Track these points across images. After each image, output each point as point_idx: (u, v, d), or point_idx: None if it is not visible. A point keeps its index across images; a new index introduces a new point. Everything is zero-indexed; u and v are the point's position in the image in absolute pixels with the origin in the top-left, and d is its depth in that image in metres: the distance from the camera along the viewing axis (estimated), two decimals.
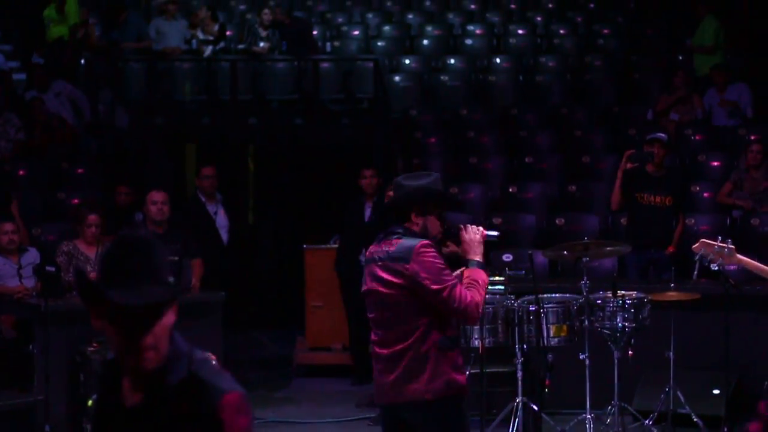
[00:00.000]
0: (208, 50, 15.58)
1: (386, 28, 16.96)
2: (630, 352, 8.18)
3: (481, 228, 5.66)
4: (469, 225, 5.68)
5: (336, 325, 11.38)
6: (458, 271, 5.61)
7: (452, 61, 16.03)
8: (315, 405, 10.37)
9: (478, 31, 16.87)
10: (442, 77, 15.66)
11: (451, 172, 13.02)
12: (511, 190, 12.77)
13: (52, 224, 11.67)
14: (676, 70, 14.03)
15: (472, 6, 17.77)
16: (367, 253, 5.61)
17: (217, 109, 15.05)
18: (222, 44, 15.74)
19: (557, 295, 8.27)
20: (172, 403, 2.95)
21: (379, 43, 16.50)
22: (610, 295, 8.19)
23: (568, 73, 15.79)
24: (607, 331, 8.17)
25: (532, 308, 7.80)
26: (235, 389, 2.98)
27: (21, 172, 12.69)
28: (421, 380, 5.36)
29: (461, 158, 13.62)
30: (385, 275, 5.41)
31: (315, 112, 15.11)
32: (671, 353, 8.34)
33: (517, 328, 7.83)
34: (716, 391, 8.83)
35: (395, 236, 5.46)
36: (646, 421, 8.48)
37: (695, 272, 8.13)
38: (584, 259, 8.19)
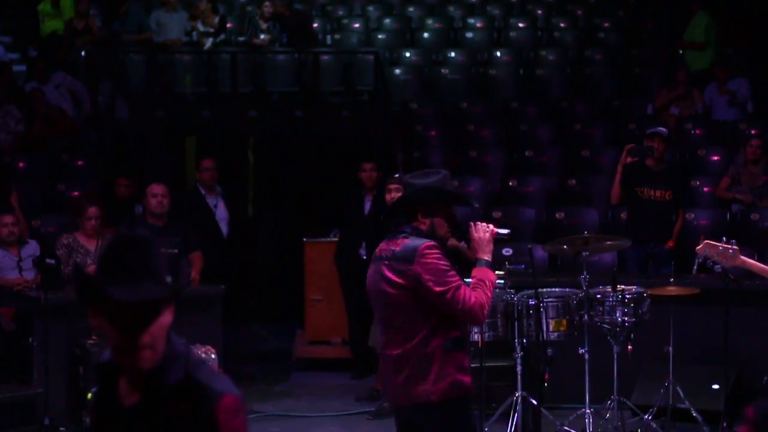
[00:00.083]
0: (209, 42, 15.58)
1: (387, 20, 16.95)
2: (629, 347, 8.18)
3: (491, 225, 5.61)
4: (478, 222, 5.64)
5: (335, 319, 11.38)
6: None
7: (453, 54, 16.03)
8: (314, 399, 10.37)
9: (478, 25, 16.87)
10: (442, 70, 15.66)
11: (451, 165, 13.01)
12: (510, 183, 12.77)
13: (51, 216, 11.68)
14: (678, 66, 14.02)
15: None
16: (377, 250, 5.56)
17: (217, 101, 15.04)
18: (222, 36, 15.73)
19: (557, 289, 8.26)
20: (169, 404, 2.96)
21: (380, 36, 16.49)
22: (610, 289, 8.19)
23: (569, 66, 15.78)
24: (607, 326, 8.17)
25: (531, 302, 7.80)
26: (232, 391, 3.00)
27: (21, 164, 12.69)
28: (427, 381, 5.34)
29: (461, 151, 13.63)
30: (390, 275, 5.39)
31: (315, 104, 15.10)
32: (671, 348, 8.34)
33: (516, 323, 7.82)
34: (716, 386, 8.83)
35: (402, 235, 5.42)
36: (646, 416, 8.48)
37: (695, 267, 8.15)
38: (584, 254, 8.19)
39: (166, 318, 2.96)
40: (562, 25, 16.83)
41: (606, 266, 10.68)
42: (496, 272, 8.13)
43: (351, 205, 10.93)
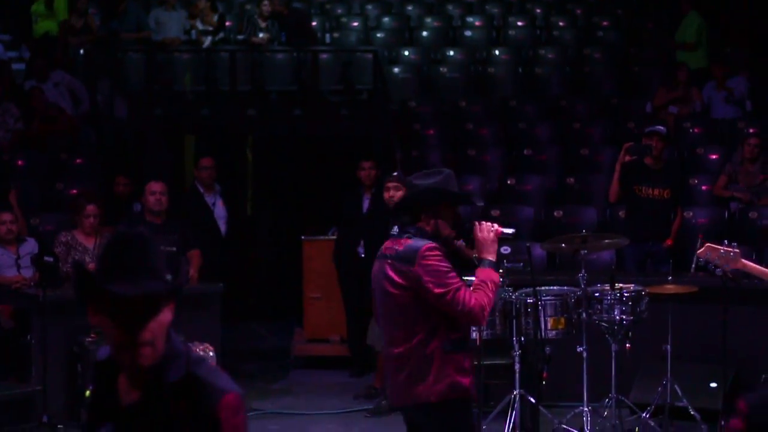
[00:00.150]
0: (208, 41, 15.58)
1: (386, 19, 16.96)
2: (627, 345, 8.18)
3: (495, 225, 5.58)
4: (483, 222, 5.61)
5: (334, 317, 11.38)
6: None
7: (451, 52, 16.03)
8: (313, 396, 10.38)
9: (477, 23, 16.87)
10: (441, 69, 15.67)
11: (450, 164, 13.00)
12: (509, 182, 12.78)
13: (50, 214, 11.67)
14: (678, 65, 14.02)
15: None
16: (383, 248, 5.56)
17: (216, 99, 15.04)
18: (221, 35, 15.73)
19: (555, 287, 8.27)
20: (170, 401, 2.96)
21: (379, 35, 16.50)
22: (608, 287, 8.19)
23: (568, 65, 15.79)
24: (605, 324, 8.17)
25: (529, 301, 7.80)
26: (234, 389, 3.00)
27: (19, 162, 12.68)
28: (426, 382, 5.34)
29: (460, 150, 13.63)
30: (392, 274, 5.40)
31: (314, 103, 15.10)
32: (669, 346, 8.34)
33: (514, 321, 7.83)
34: (713, 385, 8.84)
35: (406, 235, 5.42)
36: (644, 414, 8.48)
37: (693, 265, 8.16)
38: (582, 252, 8.19)
39: (166, 316, 2.97)
40: (561, 23, 16.84)
41: (604, 264, 10.69)
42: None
43: (349, 203, 10.94)
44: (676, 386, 8.41)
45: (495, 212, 11.75)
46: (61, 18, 14.90)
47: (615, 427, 8.23)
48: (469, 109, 14.70)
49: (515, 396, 7.96)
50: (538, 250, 9.99)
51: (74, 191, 11.76)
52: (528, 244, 8.31)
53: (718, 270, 6.48)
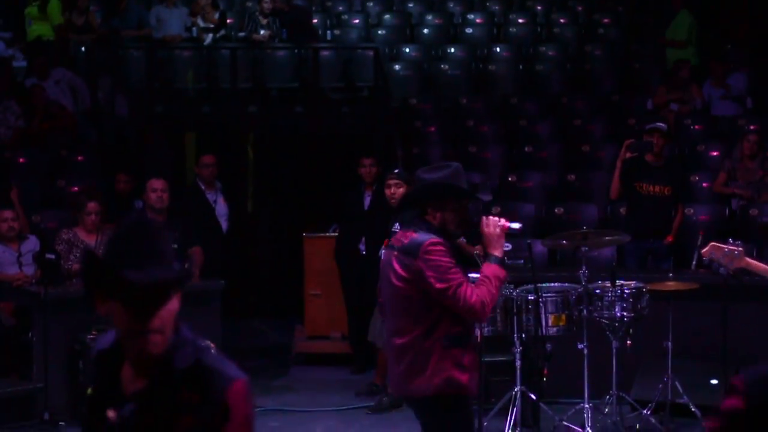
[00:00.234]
0: (209, 38, 15.56)
1: (387, 16, 16.95)
2: (628, 342, 8.20)
3: (502, 220, 5.57)
4: (490, 217, 5.60)
5: (335, 314, 11.39)
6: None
7: (452, 50, 16.02)
8: (314, 393, 10.38)
9: (478, 20, 16.87)
10: (442, 66, 15.66)
11: (451, 160, 12.98)
12: (510, 179, 12.77)
13: (51, 212, 11.68)
14: (681, 63, 13.99)
15: None
16: (393, 239, 5.60)
17: (217, 97, 15.03)
18: (222, 32, 15.71)
19: (556, 284, 8.28)
20: (179, 388, 2.97)
21: (380, 32, 16.49)
22: (609, 284, 8.20)
23: (568, 62, 15.78)
24: (606, 321, 8.18)
25: (530, 297, 7.81)
26: (242, 376, 3.02)
27: (21, 160, 12.69)
28: (423, 376, 5.37)
29: (461, 147, 13.62)
30: (397, 266, 5.41)
31: (315, 100, 15.10)
32: (669, 343, 8.35)
33: (515, 318, 7.84)
34: (714, 381, 8.84)
35: (412, 228, 5.44)
36: (644, 411, 8.48)
37: (694, 262, 8.16)
38: (583, 249, 8.20)
39: (174, 304, 2.99)
40: (561, 20, 16.83)
41: (605, 261, 10.67)
42: None
43: (350, 200, 10.94)
44: (677, 383, 8.42)
45: (496, 209, 11.74)
46: (55, 22, 14.85)
47: (616, 423, 8.24)
48: (470, 106, 14.70)
49: (516, 393, 7.97)
50: (539, 247, 10.00)
51: (75, 188, 11.77)
52: (529, 241, 8.29)
53: (723, 269, 6.45)
